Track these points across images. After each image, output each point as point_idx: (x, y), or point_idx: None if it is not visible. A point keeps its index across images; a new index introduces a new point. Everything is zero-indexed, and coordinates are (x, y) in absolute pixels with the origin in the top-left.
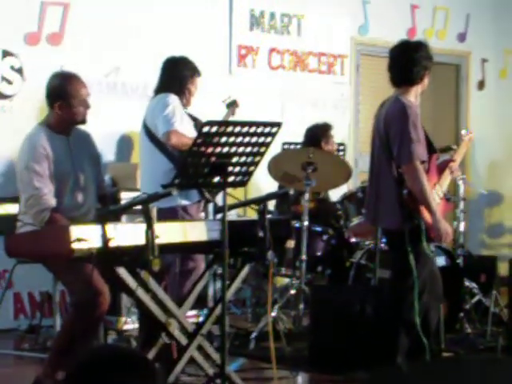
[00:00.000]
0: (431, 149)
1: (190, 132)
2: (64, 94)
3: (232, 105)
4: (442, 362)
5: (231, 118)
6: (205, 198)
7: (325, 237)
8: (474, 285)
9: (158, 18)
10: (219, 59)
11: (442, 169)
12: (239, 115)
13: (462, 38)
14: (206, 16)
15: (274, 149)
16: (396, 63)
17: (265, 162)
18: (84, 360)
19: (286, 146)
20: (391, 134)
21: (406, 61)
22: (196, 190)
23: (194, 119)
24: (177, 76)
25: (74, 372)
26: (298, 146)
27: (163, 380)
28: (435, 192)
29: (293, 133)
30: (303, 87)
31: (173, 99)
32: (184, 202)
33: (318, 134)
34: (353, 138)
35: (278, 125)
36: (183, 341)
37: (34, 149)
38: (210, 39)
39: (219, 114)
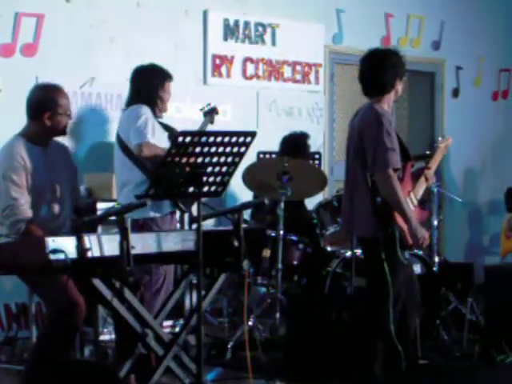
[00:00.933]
0: (406, 156)
1: (163, 142)
2: (52, 105)
3: (210, 112)
4: (418, 369)
5: (209, 127)
6: (179, 208)
7: (300, 246)
8: (450, 292)
9: (133, 28)
10: (194, 69)
11: (416, 176)
12: (215, 124)
13: (436, 46)
14: (180, 26)
15: (249, 158)
16: (365, 74)
17: (240, 172)
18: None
19: (261, 156)
20: (365, 142)
21: (375, 71)
22: (170, 201)
23: (169, 129)
24: (146, 86)
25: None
26: (274, 156)
27: None
28: (409, 199)
29: (268, 142)
30: (278, 96)
31: (144, 110)
32: (154, 215)
33: (294, 143)
34: (328, 147)
35: (253, 134)
36: (159, 351)
37: (12, 159)
38: (184, 49)
39: (195, 123)
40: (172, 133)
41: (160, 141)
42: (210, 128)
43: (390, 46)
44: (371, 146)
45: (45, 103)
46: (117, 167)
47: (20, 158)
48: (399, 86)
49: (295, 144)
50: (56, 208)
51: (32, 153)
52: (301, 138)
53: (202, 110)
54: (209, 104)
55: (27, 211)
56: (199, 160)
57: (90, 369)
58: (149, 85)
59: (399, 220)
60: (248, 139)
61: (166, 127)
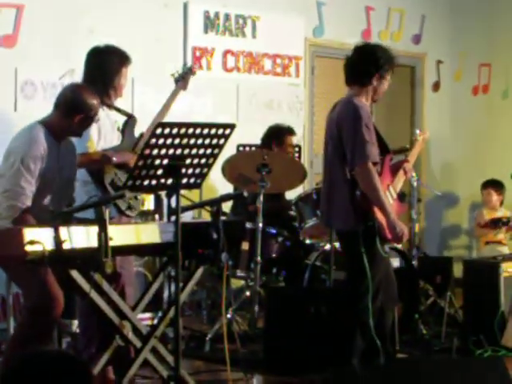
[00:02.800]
0: (385, 150)
1: (113, 139)
2: (87, 110)
3: (183, 77)
4: (396, 363)
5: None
6: (123, 213)
7: (280, 238)
8: (428, 286)
9: (113, 20)
10: (174, 61)
11: (395, 170)
12: (195, 116)
13: (417, 39)
14: (160, 18)
15: (229, 150)
16: (349, 63)
17: (219, 164)
18: (17, 364)
19: (240, 148)
20: (343, 135)
21: (358, 62)
22: (112, 205)
23: (130, 116)
24: (101, 71)
25: (4, 376)
26: (253, 148)
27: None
28: (388, 193)
29: (248, 135)
30: (258, 89)
31: None
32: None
33: (278, 135)
34: (308, 140)
35: (232, 126)
36: (137, 343)
37: (35, 145)
38: (164, 41)
39: (176, 115)
40: (129, 117)
41: (108, 138)
42: (190, 117)
43: (384, 44)
44: (350, 139)
45: (81, 106)
46: None
47: (42, 147)
48: (379, 83)
49: (279, 135)
50: (55, 202)
51: (49, 144)
52: (282, 130)
53: (172, 75)
54: (185, 64)
55: (28, 201)
56: (178, 152)
57: (53, 357)
58: (103, 70)
59: (378, 213)
60: (227, 131)
61: (127, 114)
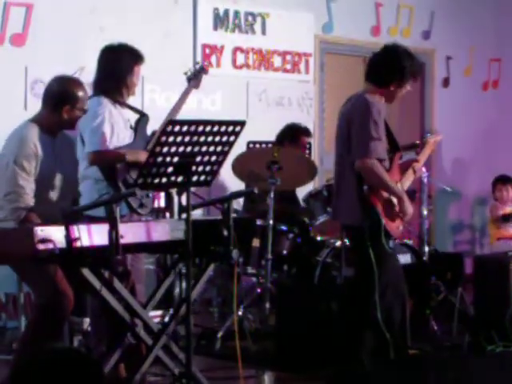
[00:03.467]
0: (395, 147)
1: (125, 137)
2: (72, 99)
3: (196, 76)
4: (407, 359)
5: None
6: (135, 211)
7: (290, 235)
8: (439, 282)
9: (122, 18)
10: (184, 59)
11: (404, 168)
12: (205, 113)
13: (426, 35)
14: (170, 15)
15: (239, 148)
16: (374, 61)
17: (230, 161)
18: (29, 362)
19: (251, 145)
20: (352, 129)
21: (383, 64)
22: (124, 203)
23: (142, 114)
24: (113, 69)
25: (16, 373)
26: (264, 145)
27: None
28: None
29: (258, 132)
30: (268, 86)
31: (103, 108)
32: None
33: (294, 134)
34: (318, 137)
35: (242, 123)
36: (148, 341)
37: (25, 145)
38: (174, 38)
39: (185, 113)
40: (142, 115)
41: (121, 136)
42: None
43: (414, 53)
44: (356, 133)
45: (65, 96)
46: (78, 158)
47: (33, 145)
48: (397, 89)
49: (295, 135)
50: (58, 198)
51: (43, 141)
52: (299, 130)
53: (185, 74)
54: (197, 63)
55: (30, 200)
56: (188, 149)
57: (71, 357)
58: (116, 68)
59: (381, 210)
60: (237, 128)
61: (140, 112)
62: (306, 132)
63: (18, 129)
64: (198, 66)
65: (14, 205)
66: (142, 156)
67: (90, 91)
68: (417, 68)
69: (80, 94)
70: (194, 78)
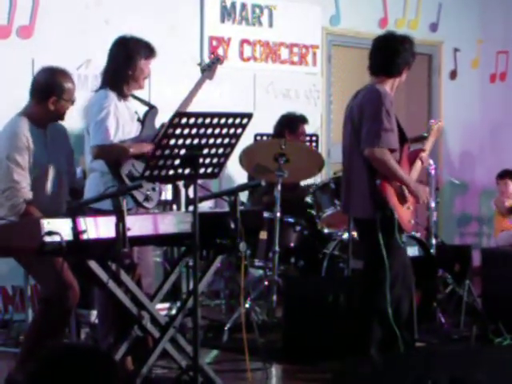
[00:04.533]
0: (403, 139)
1: (131, 129)
2: (58, 90)
3: (210, 67)
4: (414, 352)
5: (209, 82)
6: (140, 205)
7: (297, 228)
8: (447, 275)
9: (130, 10)
10: (191, 51)
11: (412, 159)
12: (212, 106)
13: (433, 27)
14: (177, 8)
15: (247, 140)
16: (378, 52)
17: (237, 154)
18: (44, 358)
19: (258, 138)
20: (364, 119)
21: (390, 51)
22: (130, 196)
23: (151, 106)
24: (121, 62)
25: (34, 371)
26: (271, 138)
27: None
28: None
29: (265, 124)
30: (275, 78)
31: (109, 101)
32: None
33: (291, 123)
34: (325, 129)
35: (249, 116)
36: (156, 333)
37: (16, 139)
38: (181, 31)
39: (192, 104)
40: (150, 107)
41: (127, 129)
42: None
43: (407, 34)
44: (368, 122)
45: (51, 87)
46: (85, 151)
47: (24, 138)
48: (405, 74)
49: (292, 124)
50: (53, 190)
51: (33, 133)
52: (296, 118)
53: (199, 64)
54: (212, 54)
55: (28, 193)
56: (195, 141)
57: (83, 352)
58: (127, 60)
59: (393, 202)
60: (244, 121)
61: (149, 104)
62: (303, 119)
63: (8, 124)
64: (213, 57)
65: (13, 201)
66: (146, 148)
67: (96, 84)
68: (413, 43)
69: (67, 85)
70: (208, 69)
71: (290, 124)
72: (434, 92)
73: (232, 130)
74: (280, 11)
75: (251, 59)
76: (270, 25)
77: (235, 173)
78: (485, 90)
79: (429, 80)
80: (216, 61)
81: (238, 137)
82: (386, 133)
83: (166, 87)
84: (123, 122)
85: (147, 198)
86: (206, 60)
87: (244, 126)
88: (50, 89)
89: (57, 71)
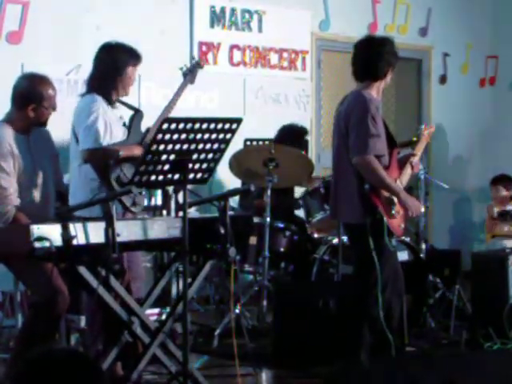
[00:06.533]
0: (392, 144)
1: (118, 134)
2: (37, 97)
3: (191, 71)
4: (405, 356)
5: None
6: (128, 209)
7: (287, 233)
8: (437, 279)
9: (119, 15)
10: (180, 56)
11: (402, 164)
12: (202, 111)
13: (423, 32)
14: (166, 13)
15: (237, 145)
16: (360, 57)
17: (227, 159)
18: (28, 363)
19: (248, 143)
20: (350, 126)
21: (371, 56)
22: (117, 201)
23: (136, 110)
24: (107, 68)
25: (18, 374)
26: (261, 143)
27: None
28: None
29: (255, 129)
30: (265, 83)
31: (97, 106)
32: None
33: (293, 136)
34: (315, 134)
35: (238, 121)
36: (145, 339)
37: (0, 146)
38: (171, 36)
39: (182, 110)
40: (136, 111)
41: (115, 133)
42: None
43: (384, 35)
44: (354, 130)
45: (30, 95)
46: (71, 157)
47: (8, 144)
48: (389, 76)
49: (293, 136)
50: (40, 194)
51: (17, 140)
52: (300, 131)
53: (181, 69)
54: (193, 58)
55: (15, 200)
56: (185, 147)
57: (67, 356)
58: (113, 66)
59: (382, 208)
60: (234, 126)
61: (134, 109)
62: (305, 132)
63: None
64: (193, 61)
65: (0, 208)
66: (137, 151)
67: (82, 90)
68: (393, 44)
69: (46, 92)
70: (190, 73)
71: (292, 137)
72: (424, 97)
73: (221, 136)
74: (269, 16)
75: (241, 64)
76: (260, 30)
77: (226, 178)
78: (474, 94)
79: (418, 85)
80: (196, 65)
81: (227, 142)
82: (372, 139)
83: (155, 92)
84: (111, 126)
85: (134, 203)
86: (188, 64)
87: (233, 131)
88: (29, 96)
89: (36, 78)
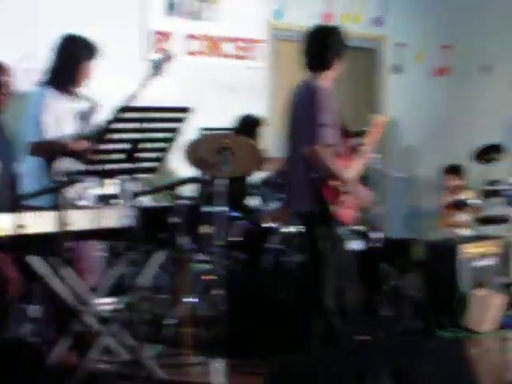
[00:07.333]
0: (345, 133)
1: (71, 126)
2: None
3: (159, 65)
4: (355, 345)
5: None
6: (72, 201)
7: (241, 222)
8: (390, 268)
9: (72, 5)
10: (134, 46)
11: (354, 153)
12: (155, 100)
13: (378, 22)
14: (120, 2)
15: (192, 134)
16: (309, 48)
17: (182, 148)
18: None
19: (203, 132)
20: (301, 116)
21: (320, 46)
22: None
23: (92, 102)
24: (64, 61)
25: None
26: (216, 132)
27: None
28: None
29: (210, 118)
30: (220, 73)
31: (46, 98)
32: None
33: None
34: (271, 123)
35: (187, 110)
36: (98, 328)
37: None
38: (124, 26)
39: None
40: (91, 104)
41: (66, 125)
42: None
43: (335, 24)
44: (305, 119)
45: None
46: (20, 147)
47: None
48: (340, 65)
49: (249, 126)
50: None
51: None
52: (256, 121)
53: (152, 61)
54: (162, 50)
55: None
56: (135, 136)
57: (11, 344)
58: (72, 58)
59: (330, 197)
60: (183, 115)
61: (83, 98)
62: (261, 122)
63: None
64: (164, 54)
65: None
66: (84, 145)
67: (38, 78)
68: (342, 33)
69: (3, 78)
70: (158, 66)
71: (249, 127)
72: (378, 86)
73: (171, 125)
74: (224, 5)
75: (195, 54)
76: (215, 19)
77: (180, 167)
78: (429, 84)
79: (372, 74)
80: (166, 58)
81: (176, 131)
82: (322, 129)
83: (108, 82)
84: (62, 118)
85: (82, 194)
86: (156, 57)
87: (182, 121)
88: None
89: None
